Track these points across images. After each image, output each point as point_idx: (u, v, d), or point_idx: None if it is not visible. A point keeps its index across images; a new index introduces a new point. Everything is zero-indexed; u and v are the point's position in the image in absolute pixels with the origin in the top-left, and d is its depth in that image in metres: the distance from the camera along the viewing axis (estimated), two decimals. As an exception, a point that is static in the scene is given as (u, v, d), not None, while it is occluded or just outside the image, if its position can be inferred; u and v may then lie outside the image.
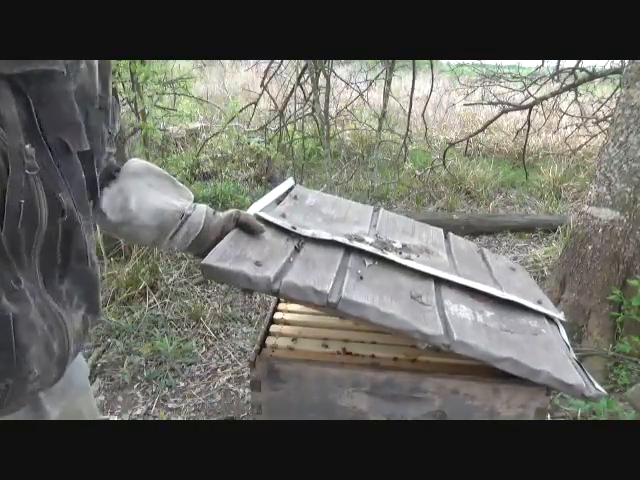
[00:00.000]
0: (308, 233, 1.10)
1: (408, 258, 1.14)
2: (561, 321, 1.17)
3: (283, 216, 1.15)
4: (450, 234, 1.43)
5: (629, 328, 2.26)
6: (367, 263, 1.07)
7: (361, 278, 1.00)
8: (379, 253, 1.10)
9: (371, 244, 1.13)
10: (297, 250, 1.05)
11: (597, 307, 2.35)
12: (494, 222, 3.90)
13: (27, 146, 0.59)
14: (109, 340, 2.30)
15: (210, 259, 0.90)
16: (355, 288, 0.96)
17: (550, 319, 1.15)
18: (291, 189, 1.37)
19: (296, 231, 1.10)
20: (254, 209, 1.12)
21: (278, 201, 1.27)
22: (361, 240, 1.14)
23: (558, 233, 3.62)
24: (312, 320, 1.24)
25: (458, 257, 1.28)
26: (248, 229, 1.01)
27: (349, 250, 1.10)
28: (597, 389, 0.95)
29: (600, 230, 2.36)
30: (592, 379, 0.98)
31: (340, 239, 1.10)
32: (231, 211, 1.02)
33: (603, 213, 2.35)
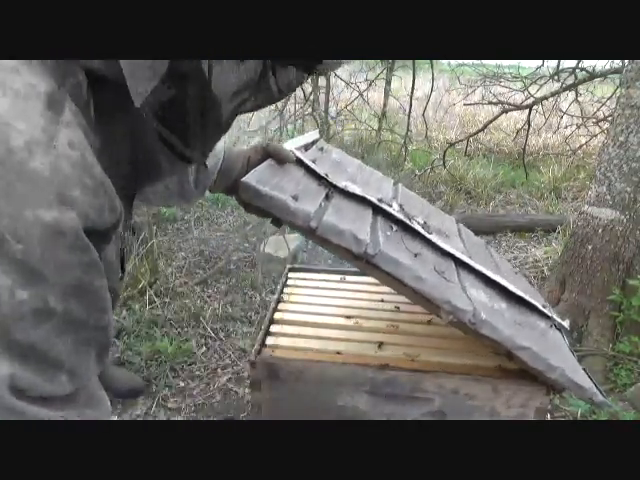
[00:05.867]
0: (340, 184, 1.04)
1: (430, 234, 1.10)
2: (565, 329, 1.16)
3: (314, 162, 1.09)
4: (461, 225, 1.42)
5: (629, 328, 2.26)
6: (394, 228, 1.03)
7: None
8: (406, 221, 1.05)
9: (397, 211, 1.09)
10: (327, 198, 0.99)
11: (597, 307, 2.35)
12: (494, 222, 3.90)
13: None
14: (109, 340, 2.29)
15: (250, 178, 0.84)
16: (390, 246, 0.91)
17: (553, 325, 1.14)
18: (316, 141, 1.31)
19: (328, 179, 1.04)
20: (288, 146, 1.07)
21: (305, 148, 1.20)
22: (389, 205, 1.09)
23: (558, 233, 3.62)
24: (312, 320, 1.24)
25: (471, 248, 1.25)
26: (278, 157, 0.97)
27: (376, 212, 1.05)
28: (604, 397, 0.95)
29: (600, 230, 2.36)
30: (599, 387, 0.98)
31: (370, 198, 1.05)
32: (255, 143, 0.98)
33: (603, 213, 2.35)
